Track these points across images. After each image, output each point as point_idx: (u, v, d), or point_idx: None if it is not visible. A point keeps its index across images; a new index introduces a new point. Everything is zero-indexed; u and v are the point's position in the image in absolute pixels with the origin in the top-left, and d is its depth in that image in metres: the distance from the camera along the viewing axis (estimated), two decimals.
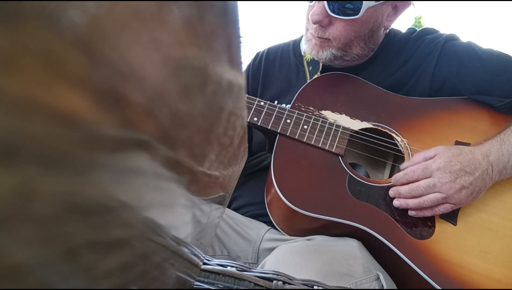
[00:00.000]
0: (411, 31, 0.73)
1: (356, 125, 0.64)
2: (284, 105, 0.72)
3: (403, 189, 0.55)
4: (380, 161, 0.70)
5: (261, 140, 0.72)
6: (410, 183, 0.55)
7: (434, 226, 0.55)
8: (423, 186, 0.53)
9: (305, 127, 0.62)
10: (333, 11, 0.60)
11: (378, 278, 0.47)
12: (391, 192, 0.56)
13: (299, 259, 0.48)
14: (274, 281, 0.31)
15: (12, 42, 0.06)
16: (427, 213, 0.54)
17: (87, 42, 0.07)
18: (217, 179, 0.21)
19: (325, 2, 0.60)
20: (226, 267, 0.32)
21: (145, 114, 0.10)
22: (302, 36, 0.82)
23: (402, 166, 0.58)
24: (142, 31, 0.09)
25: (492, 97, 0.62)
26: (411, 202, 0.54)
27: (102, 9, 0.07)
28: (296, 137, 0.62)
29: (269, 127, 0.63)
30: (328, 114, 0.65)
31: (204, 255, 0.29)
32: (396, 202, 0.55)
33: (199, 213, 0.20)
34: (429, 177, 0.53)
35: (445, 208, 0.53)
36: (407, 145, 0.62)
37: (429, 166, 0.53)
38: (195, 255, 0.23)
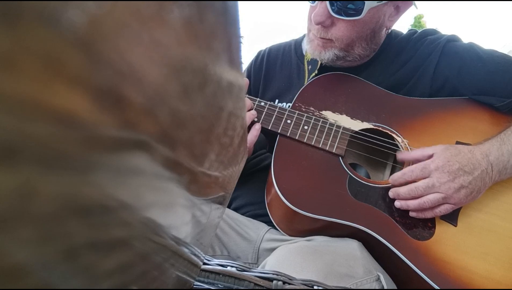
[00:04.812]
0: (412, 32, 0.74)
1: (357, 125, 0.64)
2: (285, 104, 0.72)
3: (402, 190, 0.55)
4: (381, 162, 0.70)
5: (261, 140, 0.72)
6: (408, 182, 0.55)
7: (434, 227, 0.55)
8: (422, 186, 0.53)
9: (306, 127, 0.62)
10: (335, 12, 0.60)
11: (378, 279, 0.47)
12: (391, 193, 0.56)
13: (299, 260, 0.48)
14: (274, 281, 0.31)
15: (12, 42, 0.06)
16: (428, 215, 0.54)
17: (87, 42, 0.07)
18: (217, 179, 0.21)
19: (328, 3, 0.60)
20: (226, 267, 0.32)
21: (145, 114, 0.10)
22: (304, 36, 0.82)
23: (399, 156, 0.59)
24: (142, 31, 0.09)
25: (493, 97, 0.62)
26: (411, 203, 0.54)
27: (102, 9, 0.07)
28: (297, 138, 0.62)
29: (269, 128, 0.63)
30: (329, 115, 0.65)
31: (204, 255, 0.29)
32: (397, 203, 0.55)
33: (199, 213, 0.20)
34: (427, 177, 0.53)
35: (445, 208, 0.53)
36: (407, 145, 0.62)
37: (427, 166, 0.53)
38: (195, 255, 0.23)
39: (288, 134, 0.62)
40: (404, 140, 0.63)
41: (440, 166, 0.52)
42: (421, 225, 0.55)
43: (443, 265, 0.51)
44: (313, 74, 0.71)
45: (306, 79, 0.73)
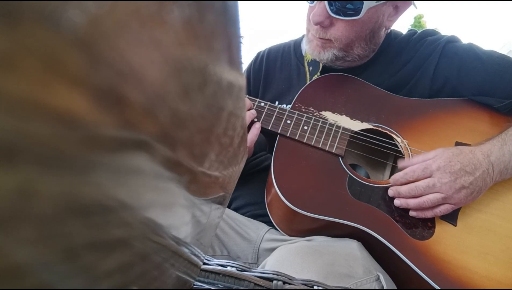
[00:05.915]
0: (412, 32, 0.74)
1: (356, 126, 0.64)
2: (285, 105, 0.72)
3: (403, 189, 0.55)
4: (381, 162, 0.70)
5: (261, 140, 0.72)
6: (409, 182, 0.55)
7: (434, 226, 0.55)
8: (423, 186, 0.53)
9: (305, 128, 0.62)
10: (334, 12, 0.60)
11: (378, 279, 0.47)
12: (391, 192, 0.56)
13: (299, 260, 0.48)
14: (274, 281, 0.31)
15: (12, 42, 0.06)
16: (428, 214, 0.54)
17: (87, 42, 0.07)
18: (217, 179, 0.21)
19: (326, 3, 0.60)
20: (226, 267, 0.32)
21: (145, 114, 0.10)
22: (303, 36, 0.82)
23: (400, 164, 0.58)
24: (142, 31, 0.09)
25: (492, 98, 0.62)
26: (411, 202, 0.54)
27: (102, 9, 0.07)
28: (296, 138, 0.62)
29: (269, 128, 0.63)
30: (328, 115, 0.65)
31: (204, 255, 0.29)
32: (396, 201, 0.55)
33: (199, 213, 0.20)
34: (428, 177, 0.53)
35: (445, 208, 0.53)
36: (407, 146, 0.62)
37: (429, 166, 0.53)
38: (195, 255, 0.23)
39: (288, 134, 0.62)
40: (404, 141, 0.63)
41: (442, 166, 0.52)
42: (421, 225, 0.55)
43: (443, 265, 0.51)
44: (316, 75, 0.71)
45: (307, 80, 0.73)
